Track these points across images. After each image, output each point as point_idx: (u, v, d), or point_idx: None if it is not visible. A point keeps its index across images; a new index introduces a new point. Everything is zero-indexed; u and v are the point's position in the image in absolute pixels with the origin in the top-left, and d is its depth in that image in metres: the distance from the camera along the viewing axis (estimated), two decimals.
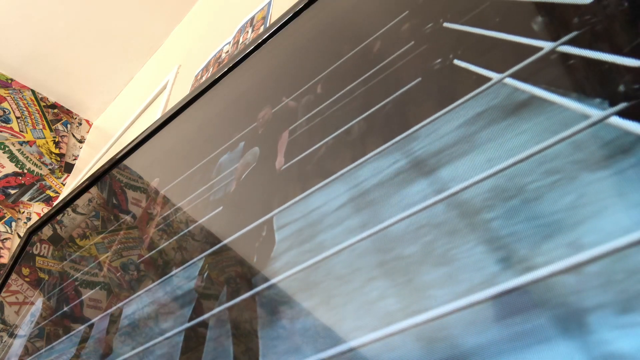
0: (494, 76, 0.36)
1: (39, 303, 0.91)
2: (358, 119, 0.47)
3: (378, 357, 0.30)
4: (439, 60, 0.42)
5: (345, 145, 0.46)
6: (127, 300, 0.64)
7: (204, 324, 0.46)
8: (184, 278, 0.55)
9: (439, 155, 0.36)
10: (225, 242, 0.53)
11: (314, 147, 0.50)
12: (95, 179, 1.02)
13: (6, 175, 1.54)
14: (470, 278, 0.28)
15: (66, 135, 1.77)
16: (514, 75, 0.35)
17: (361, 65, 0.52)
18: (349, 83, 0.51)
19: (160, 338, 0.50)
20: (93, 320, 0.68)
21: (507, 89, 0.35)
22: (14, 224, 1.50)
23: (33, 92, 1.72)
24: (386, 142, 0.41)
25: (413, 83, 0.43)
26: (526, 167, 0.30)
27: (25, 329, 0.87)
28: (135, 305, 0.60)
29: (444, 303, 0.28)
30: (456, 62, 0.41)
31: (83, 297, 0.77)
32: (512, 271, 0.27)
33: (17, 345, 0.84)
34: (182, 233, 0.64)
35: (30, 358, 0.76)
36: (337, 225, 0.40)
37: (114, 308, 0.66)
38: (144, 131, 0.97)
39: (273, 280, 0.42)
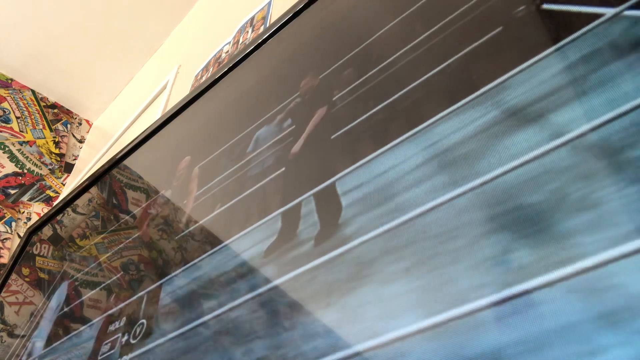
0: (602, 11, 0.33)
1: (39, 303, 0.91)
2: (428, 75, 0.44)
3: (520, 313, 0.26)
4: (522, 7, 0.40)
5: (412, 104, 0.44)
6: (127, 301, 0.64)
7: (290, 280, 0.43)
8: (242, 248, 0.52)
9: (544, 102, 0.33)
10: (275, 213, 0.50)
11: (374, 110, 0.47)
12: (95, 179, 1.02)
13: (6, 175, 1.54)
14: (627, 220, 0.25)
15: (66, 135, 1.77)
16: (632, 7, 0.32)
17: (431, 18, 0.49)
18: (416, 38, 0.49)
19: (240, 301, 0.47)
20: (93, 321, 0.68)
21: (621, 24, 0.32)
22: (14, 224, 1.50)
23: (33, 92, 1.72)
24: (465, 98, 0.39)
25: (493, 33, 0.41)
26: None
27: (25, 329, 0.87)
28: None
29: (600, 250, 0.25)
30: (545, 6, 0.38)
31: (83, 297, 0.77)
32: None
33: (17, 345, 0.84)
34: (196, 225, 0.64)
35: (30, 358, 0.76)
36: (418, 185, 0.38)
37: (115, 308, 0.66)
38: (144, 131, 0.97)
39: (347, 246, 0.40)
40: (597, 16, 0.34)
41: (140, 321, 0.57)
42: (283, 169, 0.55)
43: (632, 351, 0.22)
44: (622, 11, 0.33)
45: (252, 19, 1.09)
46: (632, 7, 0.32)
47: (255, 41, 0.80)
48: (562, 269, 0.26)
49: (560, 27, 0.36)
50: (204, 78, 1.14)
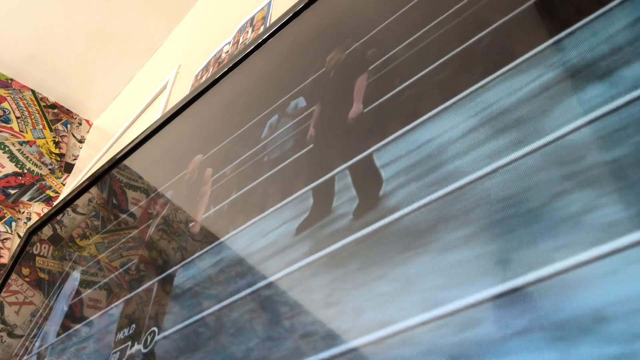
0: None
1: (39, 303, 0.91)
2: (477, 36, 0.42)
3: (618, 271, 0.24)
4: None
5: (457, 69, 0.42)
6: (124, 297, 0.64)
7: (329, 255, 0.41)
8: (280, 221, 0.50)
9: (612, 57, 0.31)
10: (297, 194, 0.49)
11: (411, 80, 0.45)
12: (95, 179, 1.02)
13: (6, 175, 1.54)
14: None
15: (66, 135, 1.77)
16: None
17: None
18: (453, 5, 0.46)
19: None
20: (92, 318, 0.68)
21: None
22: (14, 224, 1.50)
23: (33, 92, 1.72)
24: (515, 60, 0.37)
25: None
26: None
27: (25, 329, 0.87)
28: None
29: None
30: None
31: (83, 297, 0.77)
32: None
33: (17, 345, 0.84)
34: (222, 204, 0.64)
35: (30, 358, 0.76)
36: (471, 151, 0.35)
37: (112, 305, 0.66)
38: (144, 131, 0.97)
39: (393, 216, 0.38)
40: None
41: (152, 329, 0.56)
42: (311, 146, 0.53)
43: None
44: None
45: (252, 19, 1.09)
46: None
47: (255, 41, 0.80)
48: None
49: None
50: (204, 78, 1.14)
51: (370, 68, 0.52)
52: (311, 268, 0.42)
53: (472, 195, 0.33)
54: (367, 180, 0.43)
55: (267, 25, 0.98)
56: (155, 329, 0.55)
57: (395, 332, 0.32)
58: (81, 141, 1.83)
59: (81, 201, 1.03)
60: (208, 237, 0.58)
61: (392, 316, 0.33)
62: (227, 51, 1.13)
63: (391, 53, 0.51)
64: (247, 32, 1.07)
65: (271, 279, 0.45)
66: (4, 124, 1.58)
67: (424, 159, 0.39)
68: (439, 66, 0.44)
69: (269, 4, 1.06)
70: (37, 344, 0.77)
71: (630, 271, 0.24)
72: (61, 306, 0.81)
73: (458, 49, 0.43)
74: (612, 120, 0.29)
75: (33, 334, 0.82)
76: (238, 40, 1.09)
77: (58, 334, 0.74)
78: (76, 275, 0.84)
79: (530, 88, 0.35)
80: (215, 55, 1.19)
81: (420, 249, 0.34)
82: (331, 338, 0.36)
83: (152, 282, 0.62)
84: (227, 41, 1.17)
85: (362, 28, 0.58)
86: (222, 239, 0.56)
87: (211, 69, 1.14)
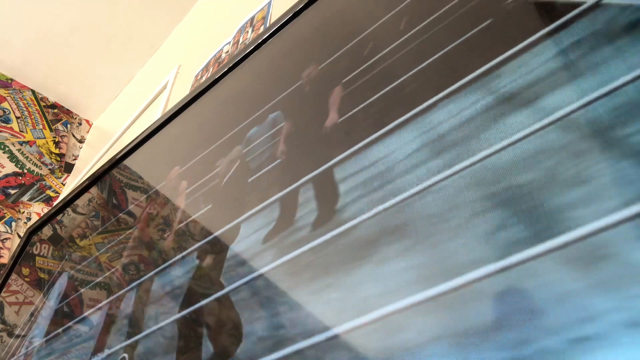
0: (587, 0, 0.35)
1: (39, 303, 0.91)
2: (421, 66, 0.46)
3: (517, 284, 0.28)
4: None
5: (409, 93, 0.45)
6: (125, 294, 0.64)
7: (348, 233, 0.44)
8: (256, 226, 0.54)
9: (535, 87, 0.35)
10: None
11: (372, 99, 0.49)
12: (95, 179, 1.02)
13: (6, 175, 1.54)
14: (620, 193, 0.26)
15: (66, 135, 1.77)
16: None
17: (423, 12, 0.50)
18: (409, 31, 0.50)
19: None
20: (90, 316, 0.68)
21: (609, 12, 0.33)
22: (14, 224, 1.50)
23: (33, 92, 1.72)
24: (457, 85, 0.40)
25: (484, 25, 0.42)
26: None
27: (25, 329, 0.87)
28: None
29: (592, 221, 0.26)
30: None
31: (83, 297, 0.77)
32: None
33: (17, 345, 0.84)
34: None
35: (30, 358, 0.76)
36: (415, 169, 0.39)
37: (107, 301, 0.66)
38: (144, 131, 0.97)
39: (345, 227, 0.41)
40: (579, 5, 0.36)
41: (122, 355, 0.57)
42: (280, 160, 0.56)
43: (626, 316, 0.23)
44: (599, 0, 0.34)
45: (252, 19, 1.09)
46: None
47: (255, 41, 0.80)
48: (555, 241, 0.27)
49: (548, 16, 0.38)
50: (204, 78, 1.14)
51: (344, 81, 0.55)
52: (274, 275, 0.45)
53: (408, 212, 0.37)
54: (326, 193, 0.47)
55: (267, 25, 0.98)
56: (125, 355, 0.57)
57: (332, 335, 0.36)
58: (81, 141, 1.83)
59: (81, 201, 1.03)
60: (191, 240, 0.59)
61: (333, 321, 0.36)
62: (227, 51, 1.13)
63: (360, 69, 0.53)
64: (247, 32, 1.07)
65: (237, 283, 0.48)
66: (4, 124, 1.58)
67: (376, 176, 0.42)
68: (408, 79, 0.47)
69: (269, 4, 1.06)
70: (26, 344, 0.78)
71: (526, 285, 0.27)
72: (52, 306, 0.81)
73: (416, 69, 0.47)
74: (529, 144, 0.33)
75: (31, 332, 0.82)
76: (238, 40, 1.09)
77: (47, 334, 0.74)
78: (66, 274, 0.84)
79: (468, 112, 0.39)
80: (215, 55, 1.19)
81: (364, 259, 0.38)
82: (280, 342, 0.39)
83: (123, 291, 0.63)
84: (227, 41, 1.17)
85: (361, 28, 0.58)
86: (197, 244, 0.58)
87: (211, 69, 1.14)
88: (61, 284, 0.87)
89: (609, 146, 0.28)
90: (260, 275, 0.46)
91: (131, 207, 0.84)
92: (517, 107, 0.35)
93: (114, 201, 0.92)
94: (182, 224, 0.66)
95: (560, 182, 0.29)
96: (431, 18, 0.48)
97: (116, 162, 0.99)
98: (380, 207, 0.39)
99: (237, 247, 0.52)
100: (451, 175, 0.36)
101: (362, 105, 0.49)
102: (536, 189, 0.30)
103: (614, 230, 0.26)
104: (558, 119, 0.32)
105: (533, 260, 0.28)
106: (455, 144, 0.37)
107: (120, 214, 0.86)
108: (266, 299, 0.44)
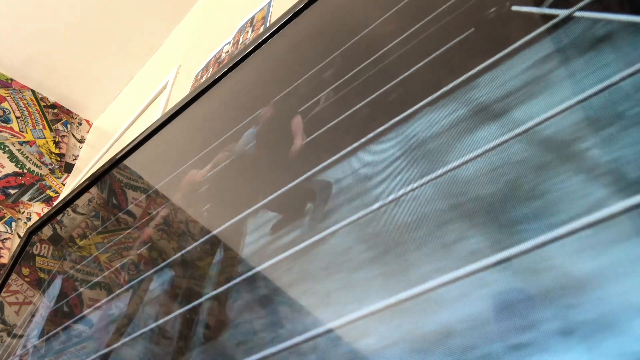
0: (561, 13, 0.35)
1: (39, 303, 0.91)
2: (401, 77, 0.46)
3: (468, 293, 0.29)
4: (494, 8, 0.41)
5: (390, 103, 0.46)
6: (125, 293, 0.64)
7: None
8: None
9: (507, 99, 0.35)
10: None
11: (351, 111, 0.49)
12: (95, 179, 1.02)
13: (6, 175, 1.54)
14: (571, 208, 0.27)
15: (66, 135, 1.77)
16: (587, 8, 0.34)
17: (404, 23, 0.51)
18: (389, 43, 0.51)
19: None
20: (91, 317, 0.68)
21: (582, 25, 0.34)
22: (14, 224, 1.50)
23: (33, 92, 1.72)
24: (435, 96, 0.41)
25: (465, 34, 0.43)
26: (619, 95, 0.29)
27: (25, 328, 0.87)
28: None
29: (542, 234, 0.28)
30: (514, 8, 0.40)
31: (83, 297, 0.77)
32: (625, 193, 0.26)
33: (17, 345, 0.84)
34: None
35: (30, 358, 0.76)
36: (391, 179, 0.40)
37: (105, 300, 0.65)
38: (144, 131, 0.97)
39: (323, 234, 0.42)
40: (554, 17, 0.36)
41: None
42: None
43: (560, 324, 0.25)
44: (572, 12, 0.35)
45: (252, 19, 1.09)
46: (581, 9, 0.35)
47: (255, 41, 0.80)
48: (505, 252, 0.29)
49: (525, 27, 0.38)
50: (204, 78, 1.14)
51: (300, 110, 0.57)
52: (258, 279, 0.47)
53: (381, 222, 0.38)
54: (305, 200, 0.48)
55: (267, 25, 0.98)
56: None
57: (303, 340, 0.37)
58: (81, 141, 1.83)
59: (81, 201, 1.03)
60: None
61: (306, 326, 0.38)
62: (227, 51, 1.13)
63: (350, 74, 0.54)
64: (247, 32, 1.07)
65: (215, 292, 0.50)
66: (4, 124, 1.58)
67: (354, 184, 0.44)
68: (389, 90, 0.48)
69: (269, 4, 1.06)
70: (26, 344, 0.78)
71: (477, 294, 0.29)
72: (51, 306, 0.81)
73: (400, 78, 0.48)
74: (494, 158, 0.34)
75: (32, 333, 0.82)
76: (238, 40, 1.09)
77: (46, 334, 0.74)
78: (66, 275, 0.84)
79: (443, 123, 0.39)
80: (215, 55, 1.19)
81: (340, 266, 0.39)
82: (257, 347, 0.41)
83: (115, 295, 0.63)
84: (227, 41, 1.17)
85: (360, 28, 0.59)
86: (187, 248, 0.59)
87: (211, 69, 1.14)
88: (61, 284, 0.87)
89: (565, 161, 0.29)
90: (242, 281, 0.47)
91: (131, 206, 0.84)
92: (487, 120, 0.36)
93: (114, 201, 0.92)
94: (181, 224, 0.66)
95: (518, 196, 0.30)
96: (426, 20, 0.49)
97: (116, 162, 0.99)
98: (356, 215, 0.40)
99: (231, 248, 0.53)
100: (418, 187, 0.37)
101: (343, 116, 0.50)
102: (496, 201, 0.31)
103: (557, 244, 0.27)
104: (522, 132, 0.33)
105: (484, 270, 0.29)
106: (425, 156, 0.38)
107: (120, 214, 0.86)
108: (243, 306, 0.45)
